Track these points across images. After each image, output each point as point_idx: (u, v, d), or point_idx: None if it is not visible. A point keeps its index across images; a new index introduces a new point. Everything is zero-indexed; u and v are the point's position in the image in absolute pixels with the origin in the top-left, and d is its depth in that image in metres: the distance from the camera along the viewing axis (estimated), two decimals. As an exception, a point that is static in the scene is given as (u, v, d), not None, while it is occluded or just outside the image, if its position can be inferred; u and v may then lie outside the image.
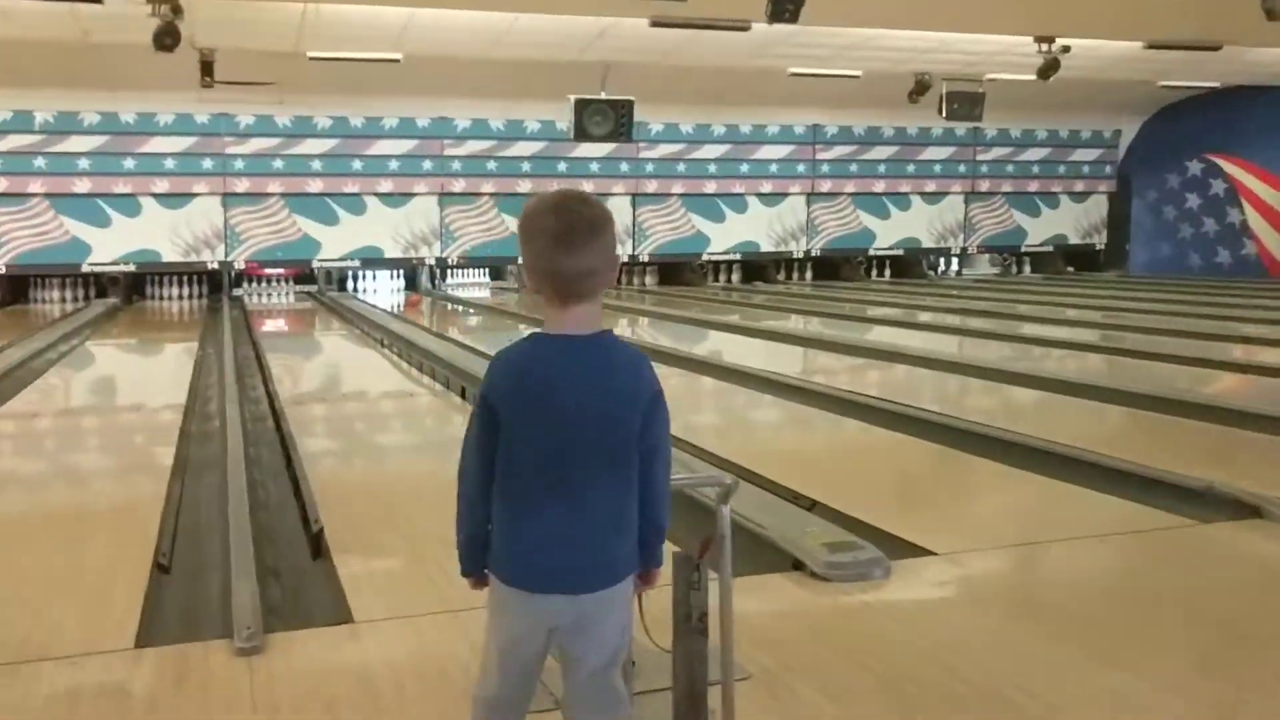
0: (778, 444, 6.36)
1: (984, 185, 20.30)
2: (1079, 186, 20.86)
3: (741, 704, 2.59)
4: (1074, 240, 21.12)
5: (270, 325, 13.81)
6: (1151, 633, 3.17)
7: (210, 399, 7.59)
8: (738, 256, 19.20)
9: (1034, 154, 20.48)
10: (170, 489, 4.93)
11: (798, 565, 3.66)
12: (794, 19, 10.48)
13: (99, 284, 16.56)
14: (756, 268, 19.59)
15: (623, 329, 12.45)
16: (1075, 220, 21.02)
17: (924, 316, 13.31)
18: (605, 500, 1.98)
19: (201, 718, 2.63)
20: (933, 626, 3.19)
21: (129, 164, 15.83)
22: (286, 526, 4.48)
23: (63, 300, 16.38)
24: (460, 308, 15.99)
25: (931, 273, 20.76)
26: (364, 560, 3.87)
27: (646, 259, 18.78)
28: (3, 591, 3.55)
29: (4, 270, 15.66)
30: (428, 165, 17.18)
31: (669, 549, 2.56)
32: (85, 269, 16.01)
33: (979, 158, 20.15)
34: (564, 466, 1.96)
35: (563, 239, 1.97)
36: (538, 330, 2.05)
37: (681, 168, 18.48)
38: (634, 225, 18.42)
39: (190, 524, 4.54)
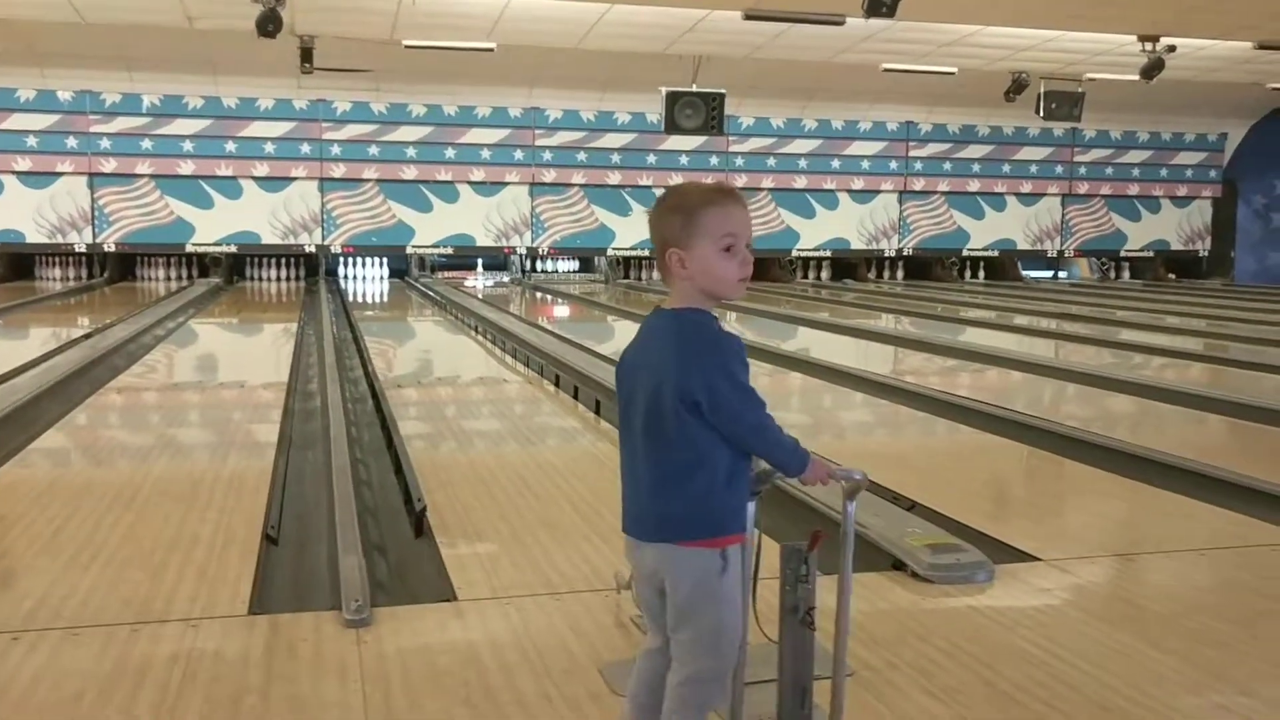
0: (870, 444, 6.30)
1: (1082, 188, 19.85)
2: (1182, 191, 20.28)
3: (847, 701, 2.58)
4: (1176, 246, 20.57)
5: (365, 308, 14.08)
6: (1258, 649, 3.08)
7: (311, 378, 7.78)
8: (828, 254, 19.06)
9: (1135, 156, 19.97)
10: (276, 463, 5.07)
11: (898, 565, 3.63)
12: (891, 14, 10.37)
13: (201, 264, 17.10)
14: (847, 265, 19.43)
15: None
16: (1177, 226, 20.45)
17: (1019, 319, 13.06)
18: (642, 461, 2.12)
19: (314, 684, 2.70)
20: (1038, 632, 3.13)
21: (230, 147, 16.29)
22: (389, 505, 4.58)
23: (167, 279, 16.95)
24: (550, 297, 16.13)
25: (1027, 275, 20.37)
26: (466, 541, 3.93)
27: (734, 254, 18.69)
28: (124, 554, 3.69)
29: (114, 248, 16.24)
30: (519, 155, 17.36)
31: (772, 544, 2.57)
32: (189, 249, 16.52)
33: (1077, 159, 19.72)
34: (623, 426, 2.18)
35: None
36: None
37: (771, 162, 18.39)
38: (723, 219, 18.35)
39: (295, 498, 4.67)
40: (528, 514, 4.31)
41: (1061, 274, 20.69)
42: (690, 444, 2.06)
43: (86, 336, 9.56)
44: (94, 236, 16.06)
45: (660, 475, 2.09)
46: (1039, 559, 3.79)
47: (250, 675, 2.74)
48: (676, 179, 17.97)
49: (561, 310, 14.47)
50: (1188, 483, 4.87)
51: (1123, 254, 20.50)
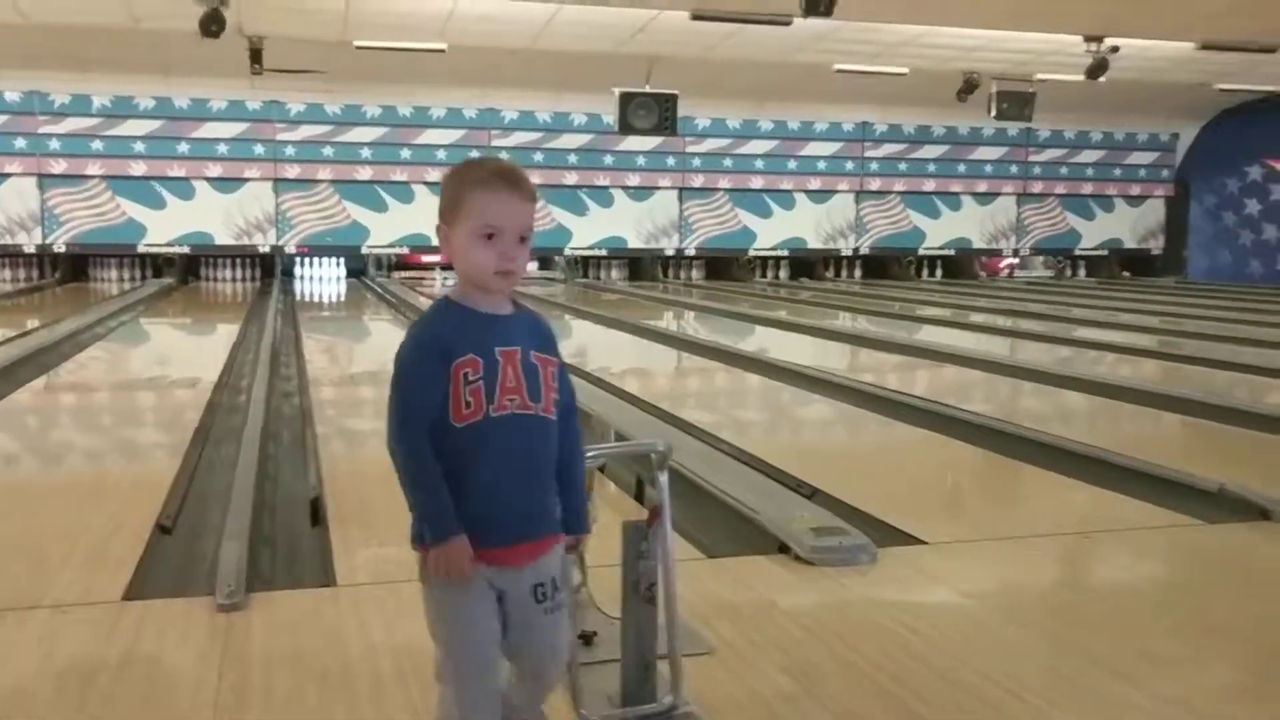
0: (815, 442, 6.29)
1: (1037, 187, 20.05)
2: (1135, 190, 20.52)
3: (699, 677, 2.62)
4: (1130, 245, 20.80)
5: (314, 308, 14.04)
6: (1114, 622, 3.14)
7: (244, 375, 7.76)
8: (785, 253, 19.15)
9: (1088, 156, 20.19)
10: (188, 456, 5.06)
11: (784, 549, 3.67)
12: (828, 13, 10.44)
13: (155, 265, 16.99)
14: (804, 264, 19.53)
15: (668, 322, 12.49)
16: (1131, 224, 20.69)
17: (975, 318, 13.14)
18: None
19: (173, 666, 2.71)
20: (905, 610, 3.18)
21: (183, 148, 16.20)
22: (295, 498, 4.58)
23: (120, 280, 16.83)
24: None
25: (983, 274, 20.54)
26: (360, 530, 3.94)
27: (693, 253, 18.80)
28: (9, 542, 3.69)
29: (64, 249, 16.11)
30: (475, 155, 17.31)
31: (619, 517, 2.60)
32: (141, 249, 16.42)
33: (1031, 159, 19.91)
34: None
35: None
36: None
37: (728, 163, 18.47)
38: (680, 219, 18.46)
39: (201, 490, 4.66)
40: (429, 504, 4.31)
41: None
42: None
43: (22, 335, 9.50)
44: (44, 237, 15.93)
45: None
46: (925, 542, 3.85)
47: (110, 656, 2.76)
48: (634, 179, 18.05)
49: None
50: (1110, 476, 4.85)
51: (1077, 252, 20.71)
